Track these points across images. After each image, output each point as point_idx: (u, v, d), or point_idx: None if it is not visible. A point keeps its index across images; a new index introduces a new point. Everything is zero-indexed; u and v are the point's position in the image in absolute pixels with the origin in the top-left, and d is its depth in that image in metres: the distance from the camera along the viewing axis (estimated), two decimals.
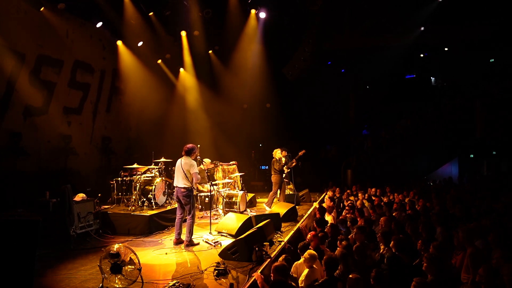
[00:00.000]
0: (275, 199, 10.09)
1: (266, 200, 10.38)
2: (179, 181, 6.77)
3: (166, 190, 9.17)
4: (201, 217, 9.11)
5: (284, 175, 10.69)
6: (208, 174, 9.55)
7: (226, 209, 9.13)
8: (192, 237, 6.80)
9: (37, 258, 4.10)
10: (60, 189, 6.98)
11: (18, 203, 7.12)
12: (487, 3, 15.31)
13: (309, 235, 6.05)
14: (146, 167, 9.21)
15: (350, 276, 4.16)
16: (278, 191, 10.13)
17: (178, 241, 6.82)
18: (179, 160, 6.89)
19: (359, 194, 10.79)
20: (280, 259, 4.72)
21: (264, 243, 6.16)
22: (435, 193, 10.51)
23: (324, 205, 9.09)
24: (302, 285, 4.73)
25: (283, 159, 9.99)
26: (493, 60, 18.82)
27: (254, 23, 13.54)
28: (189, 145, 6.96)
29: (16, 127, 8.78)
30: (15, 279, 3.63)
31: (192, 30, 12.49)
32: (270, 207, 9.82)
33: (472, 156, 18.48)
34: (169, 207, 8.67)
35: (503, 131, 15.76)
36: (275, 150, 10.15)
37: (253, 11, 13.16)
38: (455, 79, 19.92)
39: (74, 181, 9.18)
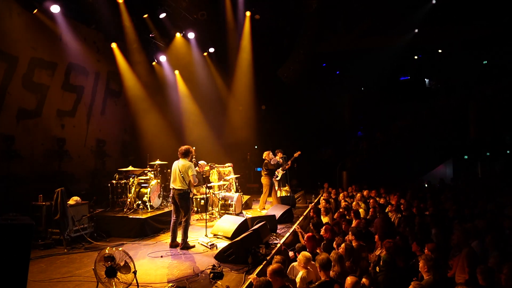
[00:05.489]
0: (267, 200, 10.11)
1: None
2: (176, 183, 6.75)
3: (161, 193, 9.14)
4: (197, 220, 9.08)
5: (278, 177, 10.70)
6: (204, 176, 9.54)
7: (221, 211, 9.13)
8: (188, 240, 6.79)
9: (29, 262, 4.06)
10: (54, 193, 6.92)
11: (11, 207, 7.05)
12: (480, 5, 15.45)
13: (305, 238, 6.04)
14: (141, 170, 9.18)
15: (348, 278, 4.15)
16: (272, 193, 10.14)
17: (174, 244, 6.79)
18: (175, 162, 6.88)
19: (355, 196, 10.79)
20: (274, 260, 4.71)
21: (260, 245, 6.16)
22: (430, 194, 10.55)
23: (319, 206, 9.08)
24: (298, 286, 4.72)
25: (272, 161, 10.02)
26: (486, 62, 19.00)
27: (249, 25, 13.55)
28: (184, 147, 6.94)
29: (9, 130, 8.69)
30: (8, 284, 3.59)
31: (187, 32, 12.48)
32: (262, 210, 9.83)
33: (466, 157, 18.60)
34: (165, 209, 8.64)
35: (497, 132, 15.89)
36: (265, 152, 10.18)
37: (248, 13, 13.16)
38: (449, 81, 20.08)
39: (68, 184, 9.11)
